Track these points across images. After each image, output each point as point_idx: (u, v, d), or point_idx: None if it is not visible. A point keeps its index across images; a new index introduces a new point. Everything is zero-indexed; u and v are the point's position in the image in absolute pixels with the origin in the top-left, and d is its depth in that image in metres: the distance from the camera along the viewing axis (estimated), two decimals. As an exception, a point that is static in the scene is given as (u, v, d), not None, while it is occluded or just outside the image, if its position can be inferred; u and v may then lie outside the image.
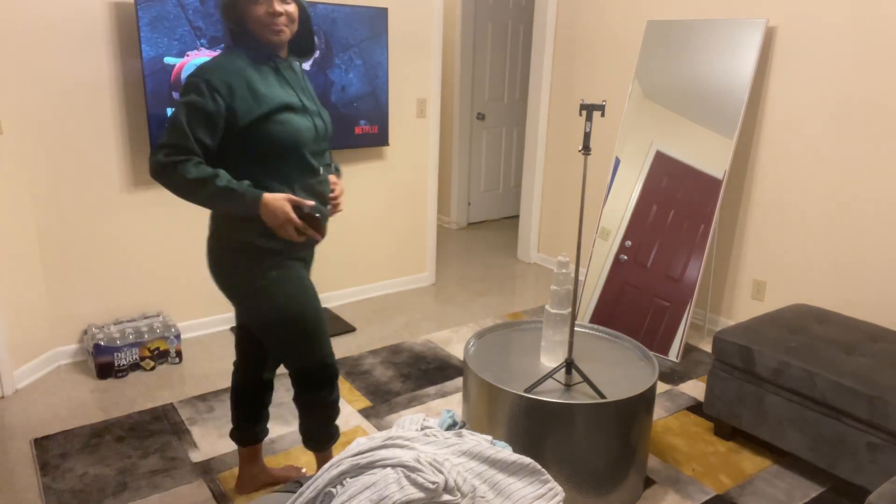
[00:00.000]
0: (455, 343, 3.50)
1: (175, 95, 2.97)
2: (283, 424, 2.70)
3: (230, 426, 2.67)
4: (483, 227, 5.84)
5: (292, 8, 1.83)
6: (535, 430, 2.09)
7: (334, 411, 2.08)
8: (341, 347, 3.41)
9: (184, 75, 2.97)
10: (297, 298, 1.92)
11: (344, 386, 3.02)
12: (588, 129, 2.11)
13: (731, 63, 3.35)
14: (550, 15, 4.38)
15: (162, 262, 3.31)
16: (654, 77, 3.62)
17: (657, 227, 3.52)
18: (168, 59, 2.91)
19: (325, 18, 3.26)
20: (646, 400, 2.18)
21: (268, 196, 1.76)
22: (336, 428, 2.12)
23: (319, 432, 2.09)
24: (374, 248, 4.07)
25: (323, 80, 3.33)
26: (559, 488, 1.39)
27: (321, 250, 3.82)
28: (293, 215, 1.77)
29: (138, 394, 2.91)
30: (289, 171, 1.84)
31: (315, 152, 1.92)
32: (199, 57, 2.98)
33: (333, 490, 1.26)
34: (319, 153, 1.95)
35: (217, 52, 2.99)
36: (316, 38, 1.89)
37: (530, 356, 2.43)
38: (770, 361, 2.43)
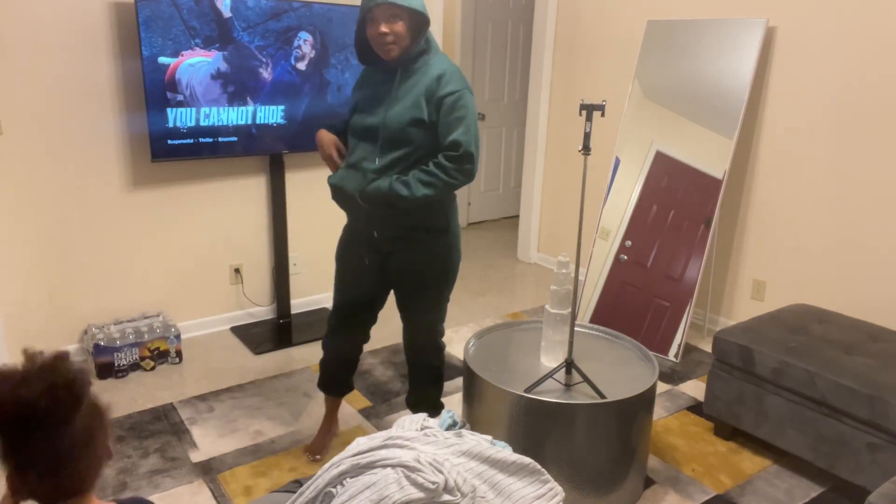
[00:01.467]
0: (455, 343, 3.50)
1: (170, 96, 2.96)
2: (282, 424, 2.70)
3: (230, 426, 2.67)
4: (483, 227, 5.84)
5: (399, 27, 2.01)
6: (535, 430, 2.09)
7: (324, 358, 2.48)
8: (341, 347, 3.41)
9: (178, 75, 2.96)
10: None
11: (344, 386, 3.02)
12: (588, 129, 2.11)
13: (731, 63, 3.35)
14: (550, 15, 4.38)
15: (162, 262, 3.31)
16: (654, 77, 3.62)
17: (657, 227, 3.52)
18: (162, 59, 2.90)
19: (320, 18, 3.25)
20: (646, 400, 2.18)
21: (321, 132, 2.25)
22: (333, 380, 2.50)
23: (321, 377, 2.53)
24: (374, 248, 4.07)
25: (319, 81, 3.32)
26: (559, 488, 1.39)
27: (320, 250, 3.82)
28: (329, 151, 2.23)
29: (138, 394, 2.91)
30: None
31: (354, 148, 2.16)
32: (194, 57, 2.97)
33: (333, 490, 1.26)
34: (362, 151, 2.13)
35: (210, 52, 3.00)
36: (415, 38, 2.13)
37: (530, 356, 2.43)
38: (770, 361, 2.43)
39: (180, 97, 2.98)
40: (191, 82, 2.99)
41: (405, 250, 2.21)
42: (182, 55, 2.94)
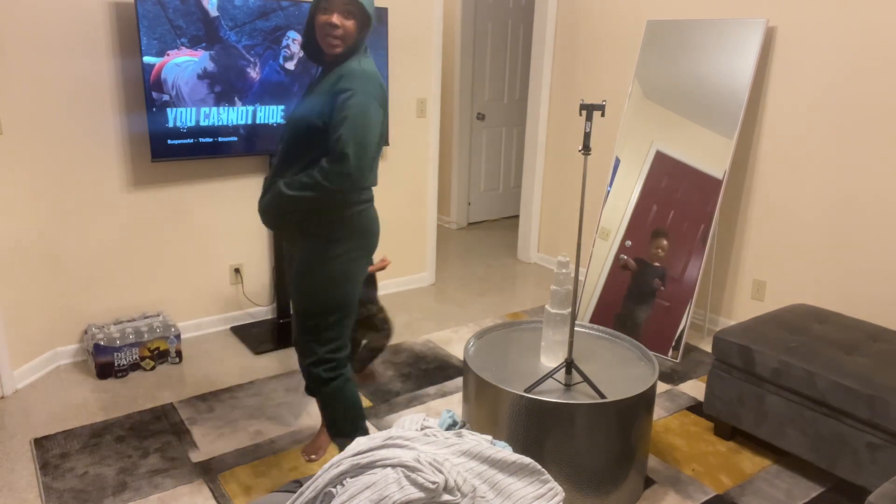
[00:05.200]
0: (455, 343, 3.50)
1: (155, 95, 2.95)
2: (282, 425, 2.70)
3: (230, 426, 2.67)
4: (483, 227, 5.84)
5: (350, 24, 1.93)
6: (535, 430, 2.09)
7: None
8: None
9: (164, 75, 2.95)
10: None
11: (344, 386, 3.02)
12: (588, 129, 2.11)
13: (731, 63, 3.35)
14: (550, 15, 4.38)
15: (162, 262, 3.31)
16: (654, 77, 3.62)
17: (657, 228, 3.52)
18: (147, 59, 2.89)
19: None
20: (646, 400, 2.18)
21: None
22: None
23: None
24: (374, 248, 4.07)
25: (308, 80, 3.31)
26: (559, 488, 1.39)
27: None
28: None
29: (138, 394, 2.91)
30: None
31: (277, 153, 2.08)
32: (180, 56, 2.96)
33: (333, 490, 1.26)
34: (278, 157, 2.05)
35: (197, 52, 2.98)
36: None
37: (530, 356, 2.43)
38: (770, 361, 2.43)
39: (166, 97, 2.96)
40: (177, 82, 2.97)
41: (294, 250, 2.12)
42: (168, 55, 2.92)
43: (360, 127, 1.87)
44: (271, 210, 2.01)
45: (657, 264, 3.46)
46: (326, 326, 2.10)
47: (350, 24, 1.93)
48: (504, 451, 1.39)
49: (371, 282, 2.79)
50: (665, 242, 3.42)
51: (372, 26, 1.99)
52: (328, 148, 1.91)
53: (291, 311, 2.22)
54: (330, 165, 1.87)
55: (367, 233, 2.10)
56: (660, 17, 3.77)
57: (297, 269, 2.09)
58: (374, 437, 1.36)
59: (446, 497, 1.24)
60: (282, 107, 3.27)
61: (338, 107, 1.88)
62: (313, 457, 2.47)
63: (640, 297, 3.52)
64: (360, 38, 1.98)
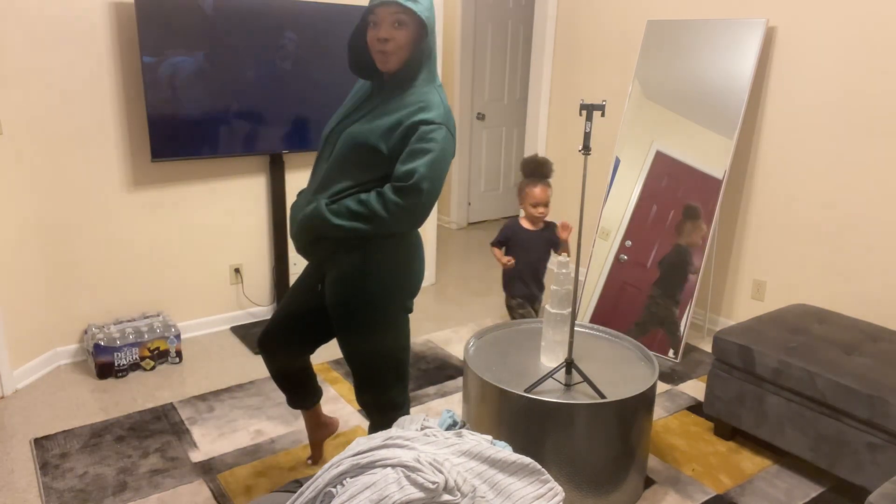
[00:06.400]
0: (455, 343, 3.50)
1: (152, 95, 2.91)
2: (282, 424, 2.70)
3: (230, 426, 2.67)
4: (483, 227, 5.84)
5: (403, 35, 1.74)
6: (535, 430, 2.09)
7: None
8: (341, 347, 3.41)
9: (161, 75, 2.92)
10: None
11: (344, 386, 3.02)
12: (588, 129, 2.11)
13: (731, 63, 3.35)
14: (550, 15, 4.38)
15: (162, 262, 3.31)
16: (654, 77, 3.62)
17: (657, 227, 3.52)
18: (146, 59, 2.87)
19: (306, 16, 3.22)
20: (646, 400, 2.18)
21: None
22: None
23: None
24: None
25: (305, 80, 3.31)
26: (559, 488, 1.39)
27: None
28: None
29: (138, 394, 2.91)
30: None
31: (316, 172, 1.93)
32: (177, 56, 2.95)
33: (333, 490, 1.26)
34: (318, 175, 1.90)
35: (194, 52, 2.97)
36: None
37: (530, 356, 2.43)
38: (770, 361, 2.43)
39: (163, 97, 2.96)
40: (174, 82, 2.97)
41: (330, 273, 1.91)
42: (164, 54, 2.92)
43: (439, 165, 1.73)
44: (307, 233, 1.85)
45: (695, 247, 3.41)
46: (389, 369, 1.94)
47: (402, 34, 1.74)
48: (504, 451, 1.39)
49: (539, 279, 3.16)
50: (704, 227, 3.37)
51: (430, 33, 1.77)
52: (388, 175, 1.76)
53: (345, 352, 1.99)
54: (398, 197, 1.71)
55: (414, 258, 1.92)
56: (660, 17, 3.77)
57: (334, 300, 1.89)
58: (374, 436, 1.36)
59: (446, 497, 1.24)
60: (280, 107, 3.27)
61: (417, 137, 1.72)
62: (309, 461, 2.46)
63: (673, 285, 3.52)
64: (418, 51, 1.77)
